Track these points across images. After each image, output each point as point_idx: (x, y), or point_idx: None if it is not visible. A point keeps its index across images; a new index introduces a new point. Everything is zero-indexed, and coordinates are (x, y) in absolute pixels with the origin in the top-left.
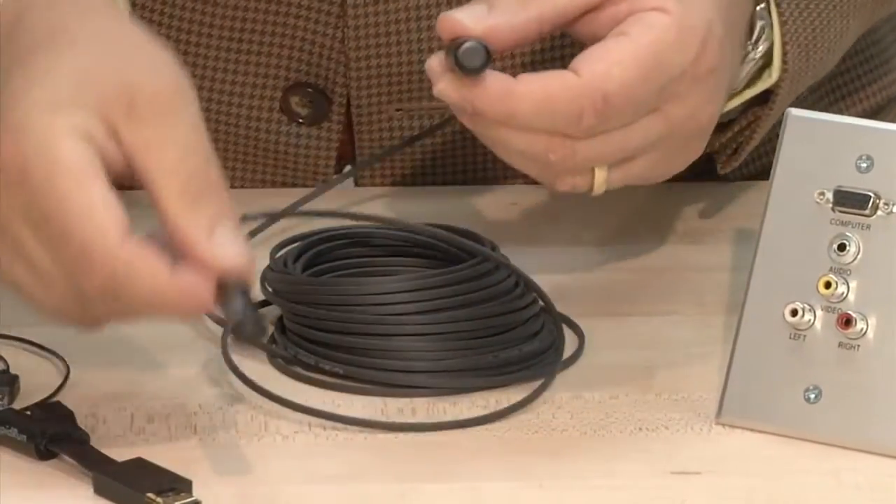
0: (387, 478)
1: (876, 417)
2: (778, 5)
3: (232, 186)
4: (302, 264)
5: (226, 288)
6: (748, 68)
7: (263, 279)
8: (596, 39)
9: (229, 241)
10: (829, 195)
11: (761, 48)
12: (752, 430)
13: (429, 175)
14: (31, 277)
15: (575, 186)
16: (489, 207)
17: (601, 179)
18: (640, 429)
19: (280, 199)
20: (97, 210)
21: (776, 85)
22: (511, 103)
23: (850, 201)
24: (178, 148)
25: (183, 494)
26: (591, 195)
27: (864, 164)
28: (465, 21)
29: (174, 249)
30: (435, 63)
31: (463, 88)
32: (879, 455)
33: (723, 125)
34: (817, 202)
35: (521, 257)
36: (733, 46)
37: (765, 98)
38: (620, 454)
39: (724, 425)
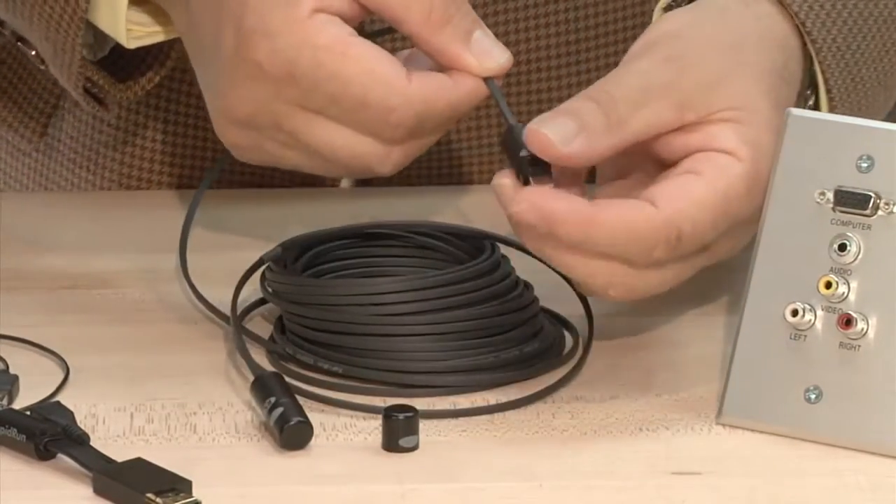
0: (387, 478)
1: (876, 418)
2: (829, 91)
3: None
4: (302, 264)
5: (518, 147)
6: None
7: (263, 279)
8: (661, 160)
9: (488, 43)
10: (830, 195)
11: None
12: (752, 430)
13: (434, 176)
14: (306, 160)
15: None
16: (489, 207)
17: None
18: (640, 429)
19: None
20: (375, 69)
21: None
22: (590, 230)
23: (851, 201)
24: None
25: (183, 494)
26: None
27: (864, 164)
28: (555, 141)
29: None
30: (507, 181)
31: (543, 211)
32: (880, 455)
33: None
34: (818, 202)
35: (521, 257)
36: None
37: None
38: (620, 454)
39: (724, 425)
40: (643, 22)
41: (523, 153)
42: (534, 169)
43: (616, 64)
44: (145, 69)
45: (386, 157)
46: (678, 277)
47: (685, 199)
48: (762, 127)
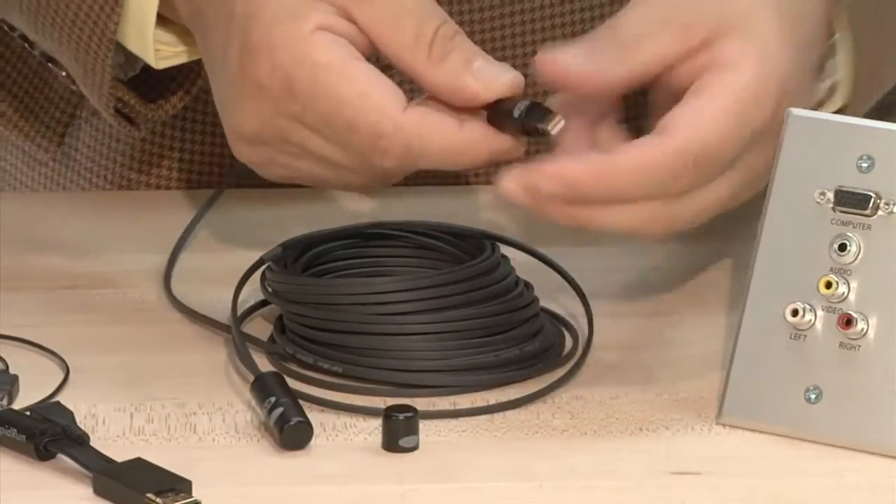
0: (387, 478)
1: (876, 418)
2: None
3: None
4: (302, 264)
5: (509, 108)
6: (819, 95)
7: (263, 279)
8: (671, 92)
9: (489, 69)
10: (830, 195)
11: (828, 82)
12: (752, 430)
13: (430, 175)
14: (324, 170)
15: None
16: (489, 207)
17: None
18: (640, 429)
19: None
20: (370, 92)
21: (843, 108)
22: (614, 178)
23: (851, 201)
24: (412, 20)
25: (183, 494)
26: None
27: (864, 164)
28: (563, 63)
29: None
30: (512, 185)
31: (563, 176)
32: (880, 455)
33: None
34: (818, 202)
35: (521, 257)
36: (812, 87)
37: None
38: (620, 454)
39: (723, 425)
40: None
41: (519, 108)
42: (538, 114)
43: None
44: (176, 88)
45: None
46: (719, 198)
47: (691, 122)
48: (766, 35)
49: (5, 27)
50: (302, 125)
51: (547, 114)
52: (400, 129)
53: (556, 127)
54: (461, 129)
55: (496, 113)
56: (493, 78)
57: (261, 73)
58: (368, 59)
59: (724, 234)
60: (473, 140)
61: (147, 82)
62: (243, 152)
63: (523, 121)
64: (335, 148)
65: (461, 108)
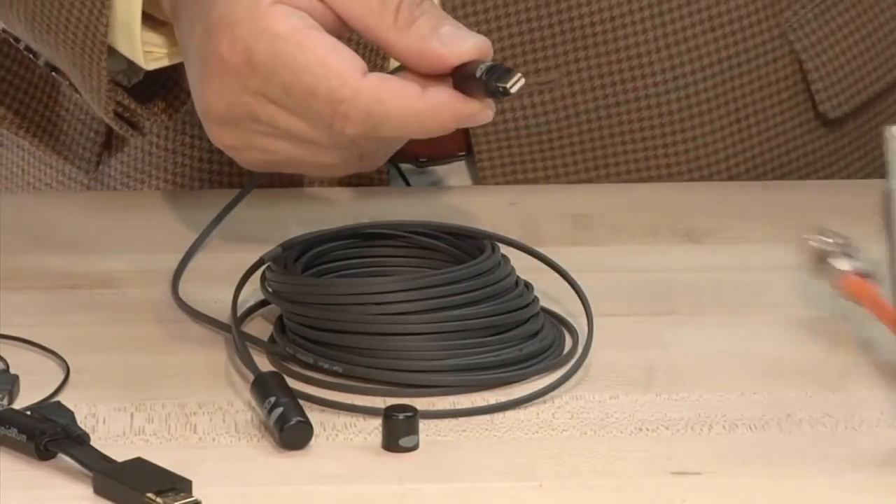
0: (387, 478)
1: None
2: None
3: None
4: (302, 264)
5: (472, 72)
6: None
7: (263, 279)
8: None
9: (457, 33)
10: None
11: None
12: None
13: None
14: (298, 148)
15: None
16: (489, 207)
17: None
18: (640, 429)
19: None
20: (328, 59)
21: None
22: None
23: None
24: None
25: (183, 494)
26: None
27: None
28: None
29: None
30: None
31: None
32: (879, 454)
33: None
34: None
35: (521, 257)
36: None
37: None
38: (620, 454)
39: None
40: None
41: (480, 69)
42: (499, 73)
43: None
44: (178, 91)
45: (340, 156)
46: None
47: None
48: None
49: (10, 39)
50: (266, 100)
51: (507, 73)
52: (359, 93)
53: (515, 86)
54: (424, 94)
55: (461, 77)
56: (459, 42)
57: (222, 48)
58: (340, 37)
59: (724, 234)
60: (438, 104)
61: (150, 88)
62: (218, 136)
63: (485, 81)
64: (301, 121)
65: (429, 75)
